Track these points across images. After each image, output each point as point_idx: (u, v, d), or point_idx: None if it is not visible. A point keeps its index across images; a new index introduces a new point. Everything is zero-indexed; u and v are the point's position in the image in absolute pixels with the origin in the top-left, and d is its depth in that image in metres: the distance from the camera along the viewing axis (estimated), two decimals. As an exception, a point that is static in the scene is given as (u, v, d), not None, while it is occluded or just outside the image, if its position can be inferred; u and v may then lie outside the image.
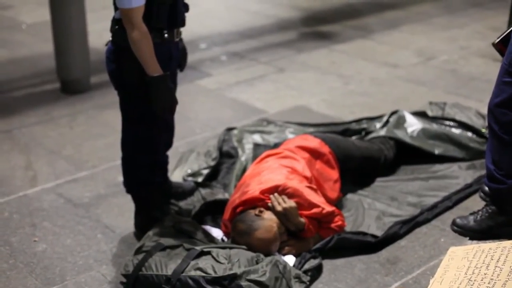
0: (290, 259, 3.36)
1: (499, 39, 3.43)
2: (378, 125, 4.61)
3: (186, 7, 3.39)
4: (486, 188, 3.78)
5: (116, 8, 3.24)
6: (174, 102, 3.31)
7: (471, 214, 3.68)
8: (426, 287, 3.12)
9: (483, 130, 4.47)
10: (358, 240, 3.52)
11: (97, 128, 5.06)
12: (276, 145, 4.27)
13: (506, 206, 3.56)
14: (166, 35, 3.28)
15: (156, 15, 3.19)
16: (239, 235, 3.36)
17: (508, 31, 3.38)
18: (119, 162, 3.65)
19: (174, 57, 3.39)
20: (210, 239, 3.47)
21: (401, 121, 4.55)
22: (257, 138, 4.56)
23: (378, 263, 3.43)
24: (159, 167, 3.65)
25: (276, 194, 3.46)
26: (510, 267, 2.87)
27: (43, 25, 7.17)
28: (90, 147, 4.74)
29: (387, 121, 4.60)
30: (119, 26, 3.22)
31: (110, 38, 3.33)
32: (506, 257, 2.95)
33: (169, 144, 3.71)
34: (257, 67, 6.41)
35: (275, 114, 5.24)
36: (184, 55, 3.56)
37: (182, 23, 3.38)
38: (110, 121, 5.04)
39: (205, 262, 3.11)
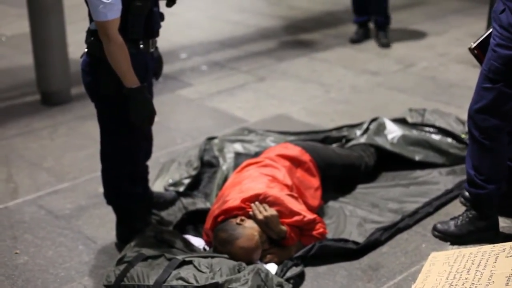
0: (272, 267, 3.36)
1: (476, 44, 3.45)
2: (358, 132, 4.63)
3: (161, 17, 3.38)
4: (467, 193, 3.80)
5: (91, 20, 3.21)
6: (152, 113, 3.30)
7: (451, 219, 3.69)
8: (408, 293, 3.15)
9: (463, 136, 4.50)
10: (339, 247, 3.53)
11: (78, 140, 5.05)
12: (257, 154, 4.27)
13: (486, 211, 3.58)
14: (141, 46, 3.27)
15: (132, 26, 3.17)
16: (220, 244, 3.35)
17: (485, 35, 3.40)
18: (100, 173, 3.64)
19: (150, 67, 3.39)
20: (192, 248, 3.47)
21: (381, 128, 4.57)
22: (238, 147, 4.56)
23: (360, 269, 3.44)
24: (139, 177, 3.64)
25: (257, 203, 3.46)
26: (491, 271, 2.89)
27: (23, 37, 7.13)
28: (71, 159, 4.73)
29: (367, 128, 4.61)
30: (94, 38, 3.20)
31: (85, 50, 3.31)
32: (487, 261, 2.97)
33: (148, 154, 3.70)
34: (237, 76, 6.42)
35: (256, 123, 5.25)
36: (159, 64, 3.56)
37: (157, 33, 3.37)
38: (91, 132, 5.01)
39: (187, 272, 3.11)
